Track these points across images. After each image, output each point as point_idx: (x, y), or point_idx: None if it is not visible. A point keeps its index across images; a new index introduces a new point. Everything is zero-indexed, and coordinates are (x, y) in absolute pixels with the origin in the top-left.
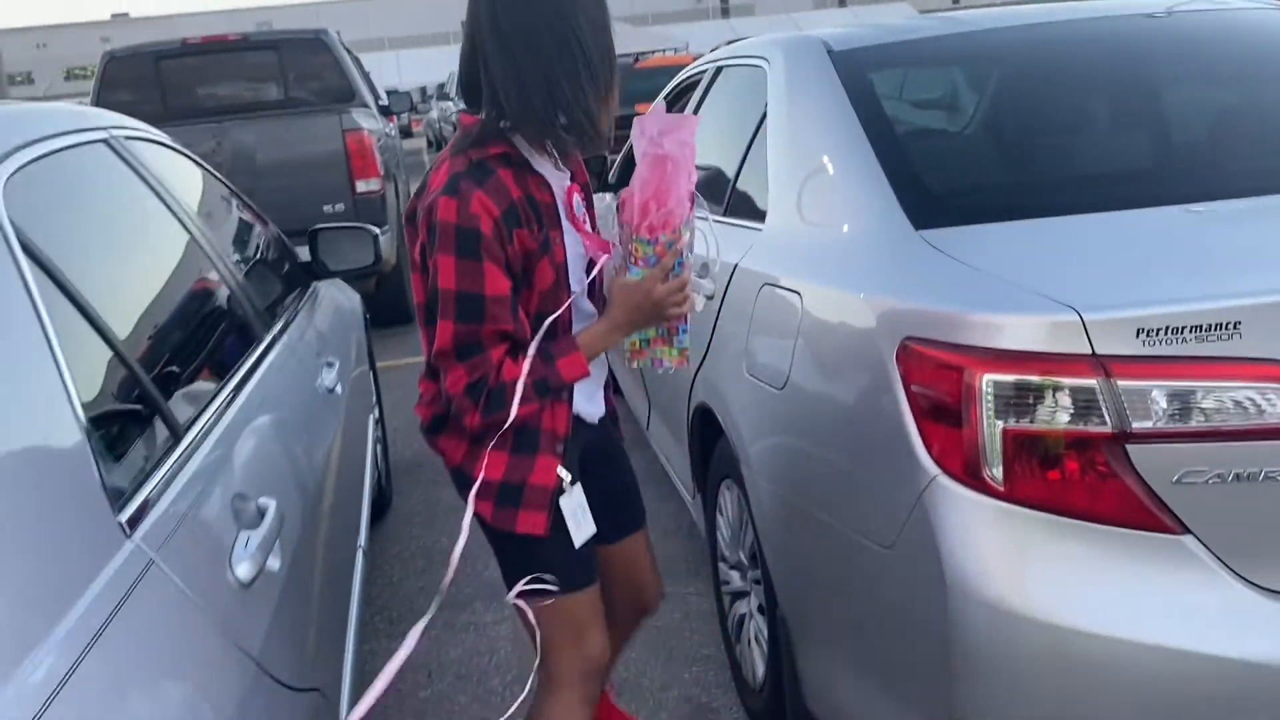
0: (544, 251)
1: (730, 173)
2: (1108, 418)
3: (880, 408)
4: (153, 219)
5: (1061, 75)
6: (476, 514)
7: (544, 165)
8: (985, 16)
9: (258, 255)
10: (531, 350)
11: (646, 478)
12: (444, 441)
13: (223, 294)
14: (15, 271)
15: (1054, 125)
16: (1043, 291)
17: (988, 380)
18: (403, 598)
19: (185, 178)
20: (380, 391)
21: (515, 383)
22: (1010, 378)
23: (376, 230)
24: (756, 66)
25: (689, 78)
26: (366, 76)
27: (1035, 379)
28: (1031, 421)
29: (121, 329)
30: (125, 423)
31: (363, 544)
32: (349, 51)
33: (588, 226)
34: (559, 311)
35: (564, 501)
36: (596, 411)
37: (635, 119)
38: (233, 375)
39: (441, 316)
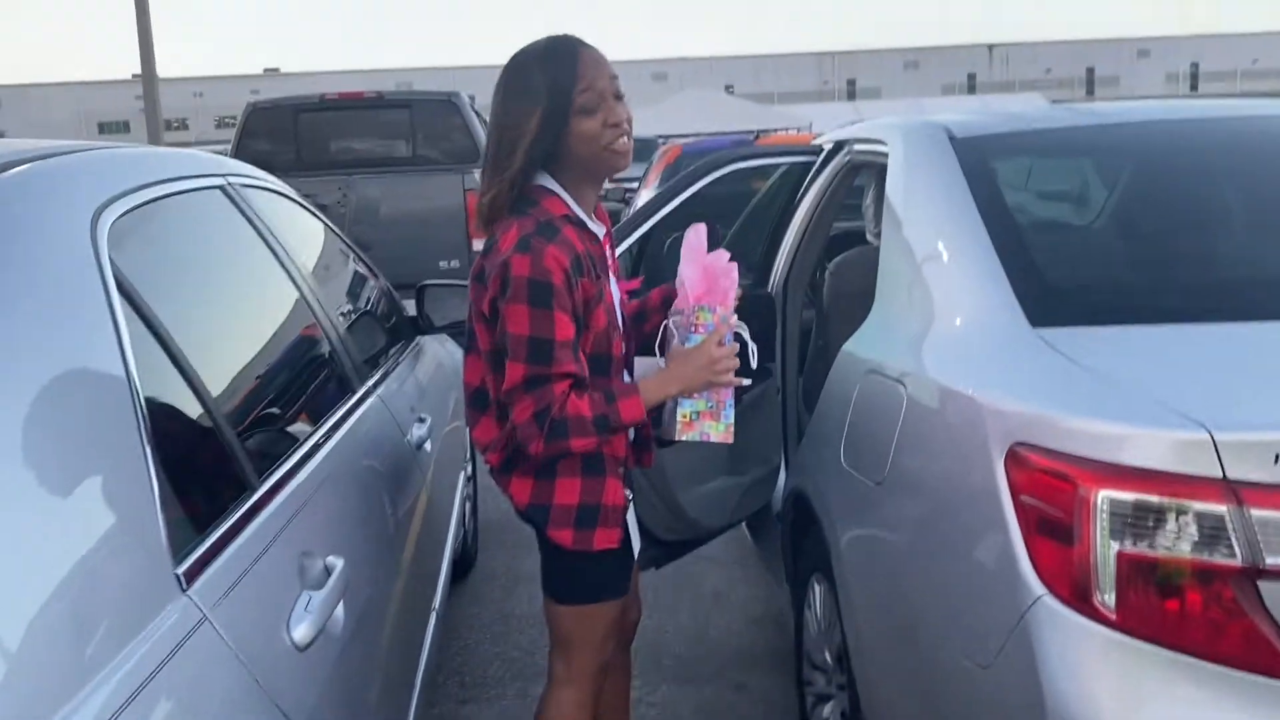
0: (599, 298)
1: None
2: (1238, 549)
3: (984, 515)
4: (259, 267)
5: (1201, 173)
6: (554, 542)
7: (588, 220)
8: (1119, 109)
9: (363, 308)
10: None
11: (735, 558)
12: (515, 483)
13: (321, 346)
14: (107, 313)
15: (1190, 225)
16: (1169, 404)
17: (1103, 497)
18: (477, 663)
19: (299, 228)
20: (475, 451)
21: (580, 416)
22: (1128, 496)
23: None
24: (877, 149)
25: (804, 157)
26: None
27: (1156, 500)
28: (1150, 546)
29: (210, 376)
30: (199, 472)
31: (437, 607)
32: (479, 115)
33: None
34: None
35: (629, 517)
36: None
37: (686, 235)
38: (319, 427)
39: (512, 359)
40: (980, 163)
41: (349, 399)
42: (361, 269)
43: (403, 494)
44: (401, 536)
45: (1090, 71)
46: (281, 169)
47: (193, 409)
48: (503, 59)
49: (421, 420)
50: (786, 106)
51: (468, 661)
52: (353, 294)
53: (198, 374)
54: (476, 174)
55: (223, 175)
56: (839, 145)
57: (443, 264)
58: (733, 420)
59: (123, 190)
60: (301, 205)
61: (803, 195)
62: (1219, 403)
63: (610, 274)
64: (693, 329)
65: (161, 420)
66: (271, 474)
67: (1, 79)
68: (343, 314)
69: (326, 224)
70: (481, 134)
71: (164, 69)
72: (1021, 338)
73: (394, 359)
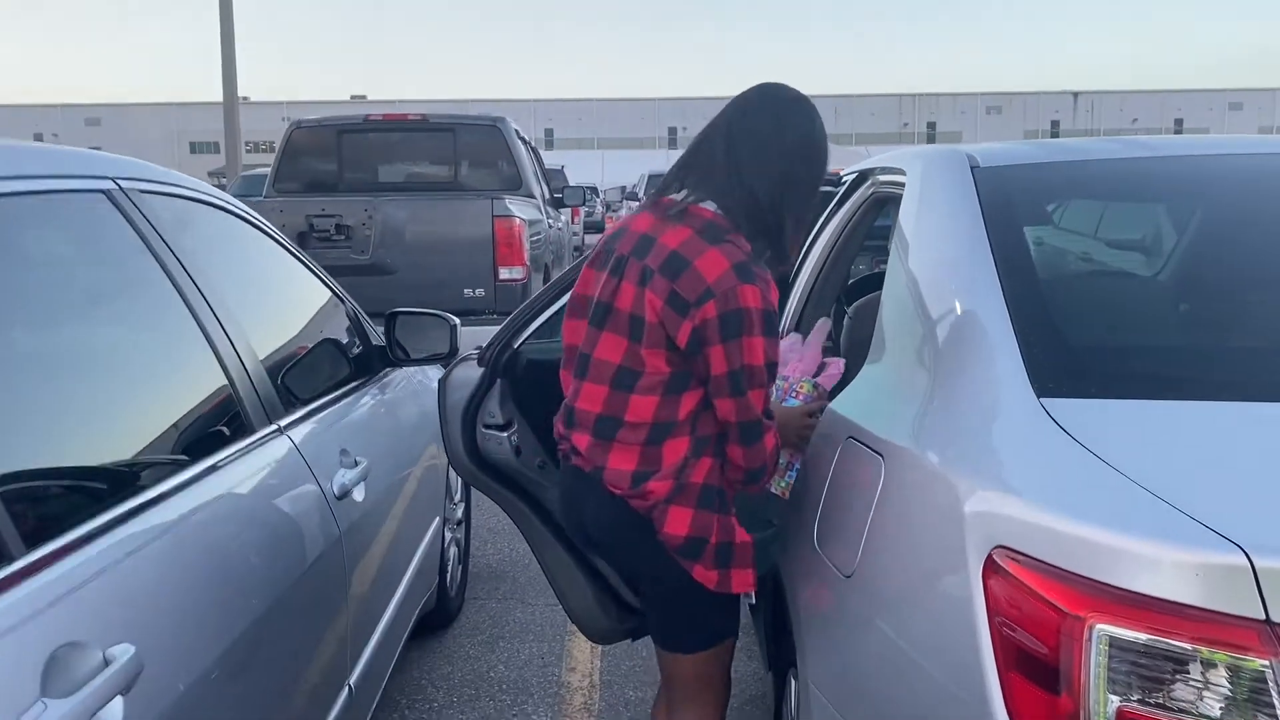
0: None
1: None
2: None
3: (955, 637)
4: (129, 284)
5: (1266, 219)
6: (698, 582)
7: None
8: (1176, 142)
9: (305, 336)
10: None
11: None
12: (677, 512)
13: (202, 380)
14: None
15: (1246, 279)
16: (1196, 513)
17: (1100, 633)
18: None
19: (225, 243)
20: (470, 494)
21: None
22: (1134, 635)
23: (456, 320)
24: (897, 180)
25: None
26: (540, 169)
27: (1172, 644)
28: (1162, 705)
29: None
30: None
31: (353, 680)
32: (526, 143)
33: None
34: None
35: None
36: None
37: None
38: (164, 478)
39: (754, 387)
40: (1004, 196)
41: (235, 442)
42: (320, 293)
43: (294, 552)
44: (284, 603)
45: (1178, 122)
46: (322, 189)
47: None
48: (590, 95)
49: (354, 465)
50: (865, 147)
51: None
52: (292, 321)
53: None
54: (508, 201)
55: (111, 179)
56: (862, 176)
57: (467, 292)
58: (793, 481)
59: None
60: (247, 220)
61: (820, 231)
62: (1264, 513)
63: None
64: (794, 394)
65: None
66: (51, 541)
67: (104, 98)
68: (264, 342)
69: (283, 242)
70: (526, 160)
71: (256, 93)
72: (1021, 411)
73: (340, 394)
